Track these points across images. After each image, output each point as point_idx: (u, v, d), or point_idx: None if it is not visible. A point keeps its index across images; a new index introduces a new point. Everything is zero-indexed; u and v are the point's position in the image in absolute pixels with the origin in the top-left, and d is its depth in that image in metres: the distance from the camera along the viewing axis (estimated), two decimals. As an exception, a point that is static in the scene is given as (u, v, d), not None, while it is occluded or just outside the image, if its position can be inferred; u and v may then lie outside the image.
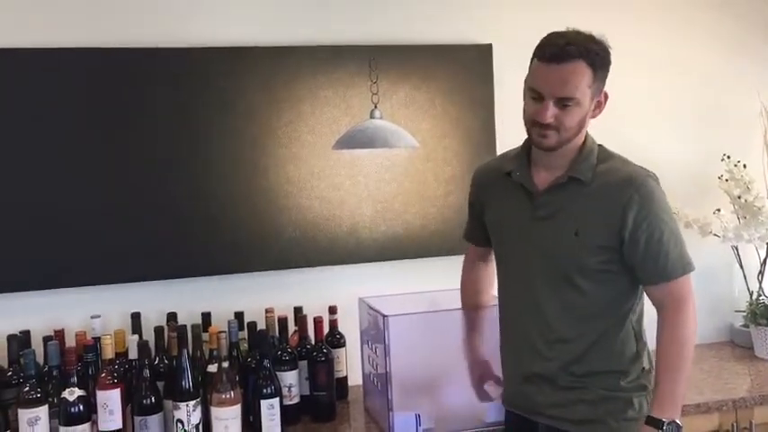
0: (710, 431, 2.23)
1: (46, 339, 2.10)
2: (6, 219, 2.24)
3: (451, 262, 2.18)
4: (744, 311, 2.72)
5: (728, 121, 2.83)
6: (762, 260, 2.75)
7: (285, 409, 2.09)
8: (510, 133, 2.55)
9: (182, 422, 1.95)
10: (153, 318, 2.27)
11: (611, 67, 1.68)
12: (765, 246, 2.71)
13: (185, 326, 2.07)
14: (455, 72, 2.56)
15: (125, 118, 2.32)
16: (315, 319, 2.27)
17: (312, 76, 2.45)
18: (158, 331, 2.14)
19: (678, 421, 1.62)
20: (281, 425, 2.05)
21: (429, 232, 2.55)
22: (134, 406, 2.00)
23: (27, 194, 2.25)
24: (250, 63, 2.40)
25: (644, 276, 1.68)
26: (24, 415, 1.87)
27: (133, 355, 2.06)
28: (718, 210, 2.66)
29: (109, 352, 1.96)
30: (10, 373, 2.05)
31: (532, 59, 1.66)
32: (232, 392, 1.96)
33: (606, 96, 1.68)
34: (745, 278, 2.77)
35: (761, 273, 2.75)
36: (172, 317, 2.26)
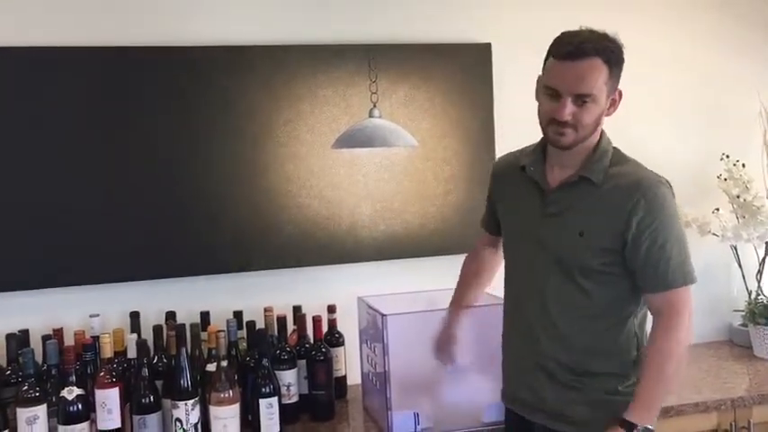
0: (709, 430, 2.23)
1: (45, 338, 2.10)
2: (5, 218, 2.23)
3: (450, 261, 2.18)
4: (742, 311, 2.72)
5: (728, 121, 2.83)
6: (760, 259, 2.75)
7: (284, 408, 2.09)
8: (509, 132, 2.58)
9: (180, 421, 1.95)
10: (152, 317, 2.27)
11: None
12: (764, 245, 2.72)
13: (184, 325, 2.07)
14: (454, 71, 2.56)
15: (124, 117, 2.32)
16: (314, 318, 2.27)
17: (312, 75, 2.45)
18: (157, 330, 2.14)
19: (650, 426, 1.63)
20: (280, 424, 2.05)
21: (428, 231, 2.55)
22: (133, 405, 2.00)
23: (26, 194, 2.25)
24: (250, 62, 2.40)
25: (643, 283, 1.67)
26: (23, 414, 1.87)
27: (132, 354, 2.07)
28: (717, 209, 2.66)
29: (107, 351, 1.96)
30: (8, 372, 2.05)
31: (547, 58, 1.67)
32: (231, 391, 1.96)
33: (620, 94, 1.68)
34: (743, 277, 2.77)
35: (759, 272, 2.75)
36: (170, 316, 2.26)
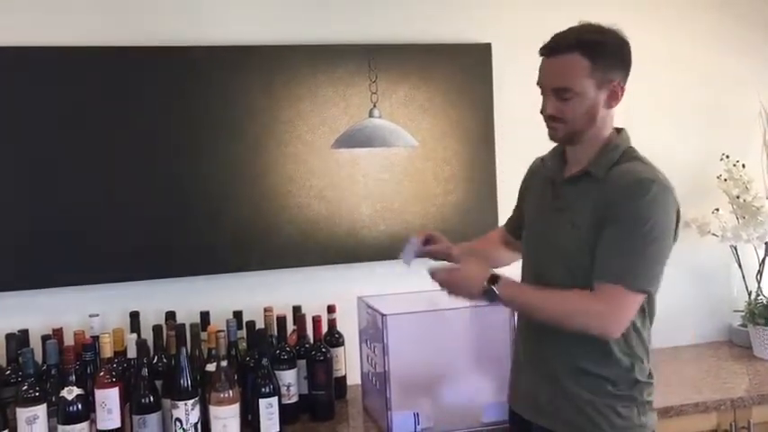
0: (709, 430, 2.24)
1: (44, 338, 2.10)
2: (5, 218, 2.24)
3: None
4: (742, 311, 2.72)
5: (728, 121, 2.83)
6: (760, 260, 2.75)
7: (284, 408, 2.09)
8: (509, 132, 2.58)
9: (180, 421, 1.94)
10: (151, 317, 2.27)
11: None
12: (764, 245, 2.72)
13: (184, 325, 2.07)
14: (454, 71, 2.56)
15: (125, 117, 2.31)
16: (313, 318, 2.27)
17: (312, 76, 2.45)
18: (157, 330, 2.14)
19: (496, 290, 1.64)
20: (280, 424, 2.05)
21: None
22: (132, 405, 2.00)
23: (26, 194, 2.25)
24: (250, 62, 2.40)
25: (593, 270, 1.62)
26: (23, 414, 1.87)
27: (132, 353, 2.07)
28: (717, 209, 2.67)
29: (107, 351, 1.96)
30: (8, 372, 2.05)
31: None
32: (231, 391, 1.96)
33: (622, 87, 1.66)
34: (743, 278, 2.77)
35: (759, 272, 2.75)
36: (170, 316, 2.26)
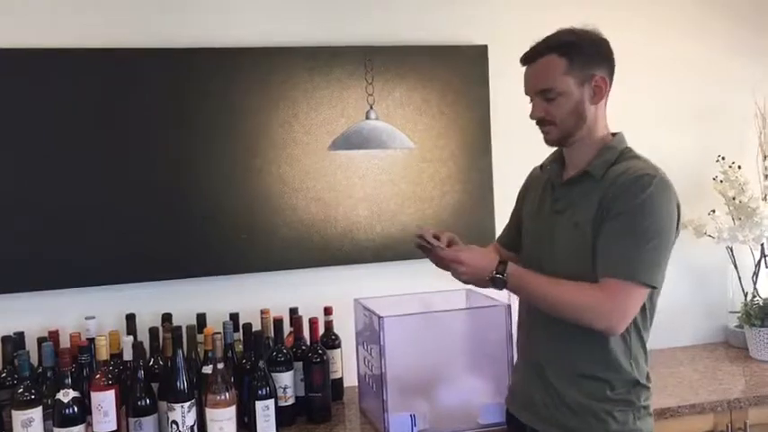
0: (705, 432, 2.25)
1: (40, 340, 2.10)
2: (1, 219, 2.23)
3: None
4: (738, 312, 2.72)
5: (723, 123, 2.83)
6: (756, 261, 2.76)
7: (280, 411, 2.09)
8: (505, 134, 2.58)
9: (176, 423, 1.94)
10: (148, 319, 2.26)
11: None
12: (760, 247, 2.72)
13: (180, 327, 2.07)
14: (451, 73, 2.56)
15: (121, 119, 2.31)
16: (310, 320, 2.27)
17: (308, 77, 2.45)
18: (153, 332, 2.13)
19: (504, 277, 1.64)
20: (276, 426, 2.05)
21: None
22: (129, 407, 1.99)
23: (22, 195, 2.25)
24: (246, 64, 2.40)
25: (596, 268, 1.62)
26: (18, 416, 1.87)
27: (128, 356, 2.06)
28: (713, 211, 2.67)
29: (103, 353, 1.96)
30: (4, 375, 2.05)
31: None
32: (227, 394, 1.96)
33: (605, 81, 1.68)
34: (739, 279, 2.78)
35: (755, 274, 2.76)
36: (167, 318, 2.25)
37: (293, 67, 2.44)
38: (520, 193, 1.97)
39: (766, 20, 2.89)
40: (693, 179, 2.74)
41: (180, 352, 2.00)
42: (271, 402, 2.04)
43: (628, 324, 1.62)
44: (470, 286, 2.03)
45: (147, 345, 2.11)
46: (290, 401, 2.17)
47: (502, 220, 2.09)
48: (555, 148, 1.82)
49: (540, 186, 1.84)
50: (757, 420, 2.27)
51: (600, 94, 1.69)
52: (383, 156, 2.51)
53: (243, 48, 2.40)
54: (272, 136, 2.43)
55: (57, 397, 1.89)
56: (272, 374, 2.10)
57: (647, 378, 1.72)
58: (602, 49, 1.70)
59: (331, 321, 2.35)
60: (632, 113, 2.60)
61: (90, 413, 1.93)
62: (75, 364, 2.01)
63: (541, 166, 1.86)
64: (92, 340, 2.08)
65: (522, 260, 1.84)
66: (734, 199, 2.65)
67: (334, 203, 2.48)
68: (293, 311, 2.32)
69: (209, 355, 2.05)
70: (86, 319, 2.20)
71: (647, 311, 1.69)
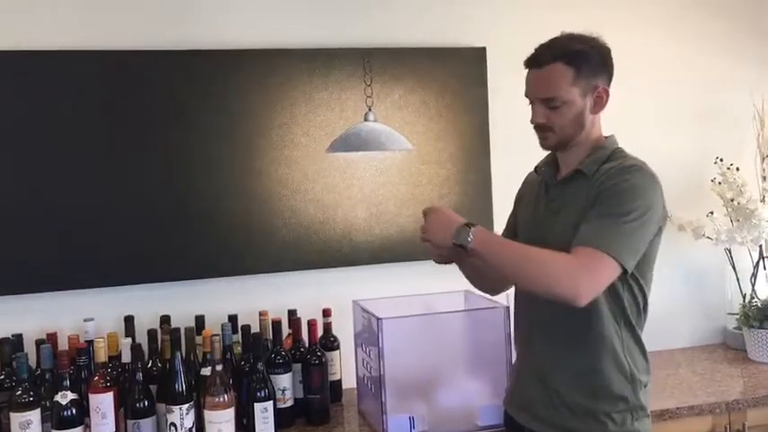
0: (703, 433, 2.25)
1: (38, 342, 2.09)
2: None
3: (446, 265, 2.18)
4: (737, 314, 2.72)
5: (721, 124, 2.84)
6: (754, 263, 2.76)
7: (279, 413, 2.09)
8: (504, 136, 2.58)
9: (175, 426, 1.94)
10: (146, 321, 2.26)
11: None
12: (758, 248, 2.73)
13: (179, 329, 2.07)
14: (449, 75, 2.56)
15: (120, 121, 2.31)
16: (309, 321, 2.27)
17: (307, 79, 2.45)
18: (152, 334, 2.13)
19: (469, 236, 1.59)
20: (275, 428, 2.05)
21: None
22: (127, 409, 1.99)
23: (21, 196, 2.24)
24: (245, 65, 2.40)
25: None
26: (16, 419, 1.86)
27: (126, 358, 2.06)
28: (711, 212, 2.67)
29: (102, 355, 1.96)
30: (2, 377, 2.04)
31: None
32: (225, 396, 1.96)
33: (606, 92, 1.69)
34: (738, 281, 2.78)
35: (753, 275, 2.76)
36: (165, 320, 2.25)
37: (292, 68, 2.44)
38: (516, 197, 1.97)
39: (765, 22, 2.90)
40: (692, 181, 2.74)
41: (178, 354, 2.00)
42: (269, 404, 2.04)
43: (594, 295, 1.56)
44: (470, 287, 2.04)
45: (145, 347, 2.10)
46: (289, 403, 2.17)
47: (500, 221, 2.09)
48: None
49: (535, 189, 1.85)
50: (756, 422, 2.27)
51: (600, 104, 1.70)
52: (382, 157, 2.51)
53: (241, 49, 2.40)
54: (271, 137, 2.43)
55: (55, 399, 1.88)
56: (271, 376, 2.10)
57: (646, 376, 1.71)
58: (606, 59, 1.70)
59: (330, 323, 2.35)
60: (631, 115, 2.61)
61: (88, 415, 1.93)
62: (73, 366, 2.00)
63: (536, 169, 1.86)
64: (90, 342, 2.08)
65: None
66: (732, 201, 2.65)
67: (332, 205, 2.48)
68: (292, 313, 2.32)
69: (208, 356, 2.05)
70: (85, 320, 2.19)
71: (639, 308, 1.69)
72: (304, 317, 2.29)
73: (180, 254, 2.36)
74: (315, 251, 2.46)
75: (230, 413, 1.96)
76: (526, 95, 1.72)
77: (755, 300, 2.71)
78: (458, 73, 2.57)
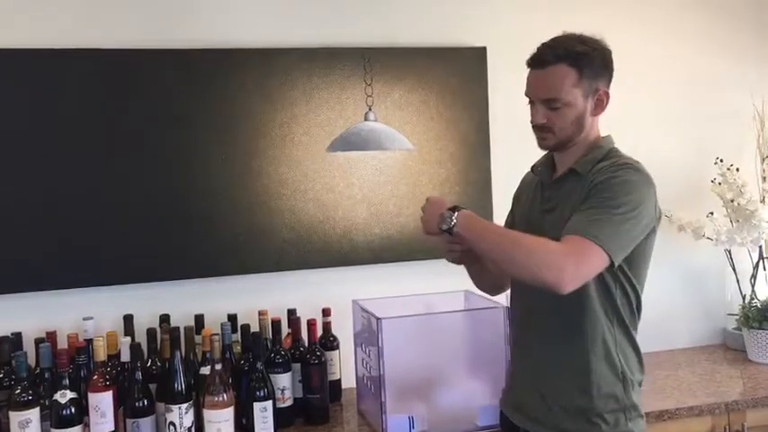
0: (703, 434, 2.24)
1: (38, 341, 2.09)
2: (-1, 220, 2.23)
3: (445, 265, 2.17)
4: (736, 315, 2.72)
5: (722, 125, 2.84)
6: (754, 263, 2.76)
7: (278, 412, 2.09)
8: (504, 135, 2.58)
9: (174, 425, 1.94)
10: (145, 320, 2.26)
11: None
12: (758, 249, 2.72)
13: (178, 328, 2.07)
14: (450, 75, 2.56)
15: (120, 120, 2.31)
16: (308, 321, 2.27)
17: (307, 78, 2.45)
18: (151, 333, 2.13)
19: (454, 221, 1.64)
20: (275, 427, 2.05)
21: (423, 234, 2.53)
22: (126, 408, 1.99)
23: (21, 195, 2.24)
24: (245, 65, 2.40)
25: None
26: (15, 417, 1.86)
27: (125, 357, 2.06)
28: (711, 213, 2.67)
29: (101, 354, 1.96)
30: (1, 376, 2.04)
31: None
32: (225, 395, 1.96)
33: (607, 94, 1.69)
34: (737, 281, 2.78)
35: (753, 276, 2.76)
36: (165, 319, 2.25)
37: (292, 68, 2.44)
38: (513, 197, 1.96)
39: (765, 23, 2.90)
40: (692, 181, 2.74)
41: (178, 353, 2.00)
42: (269, 404, 2.04)
43: (579, 283, 1.55)
44: (470, 287, 2.04)
45: (144, 346, 2.10)
46: (289, 403, 2.17)
47: (500, 221, 2.09)
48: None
49: (532, 189, 1.85)
50: (755, 423, 2.27)
51: (601, 106, 1.70)
52: (382, 157, 2.51)
53: (242, 49, 2.40)
54: (271, 137, 2.43)
55: (54, 398, 1.88)
56: (271, 376, 2.10)
57: (639, 375, 1.71)
58: (608, 62, 1.70)
59: (329, 323, 2.35)
60: (631, 115, 2.62)
61: (87, 414, 1.93)
62: (72, 364, 2.00)
63: (533, 169, 1.86)
64: (89, 341, 2.07)
65: None
66: (732, 201, 2.65)
67: (332, 205, 2.48)
68: (291, 313, 2.32)
69: (207, 356, 2.05)
70: (84, 319, 2.19)
71: (632, 307, 1.69)
72: (304, 316, 2.29)
73: (180, 253, 2.36)
74: (315, 251, 2.46)
75: (229, 412, 1.96)
76: (527, 95, 1.71)
77: (755, 300, 2.71)
78: (458, 73, 2.57)
